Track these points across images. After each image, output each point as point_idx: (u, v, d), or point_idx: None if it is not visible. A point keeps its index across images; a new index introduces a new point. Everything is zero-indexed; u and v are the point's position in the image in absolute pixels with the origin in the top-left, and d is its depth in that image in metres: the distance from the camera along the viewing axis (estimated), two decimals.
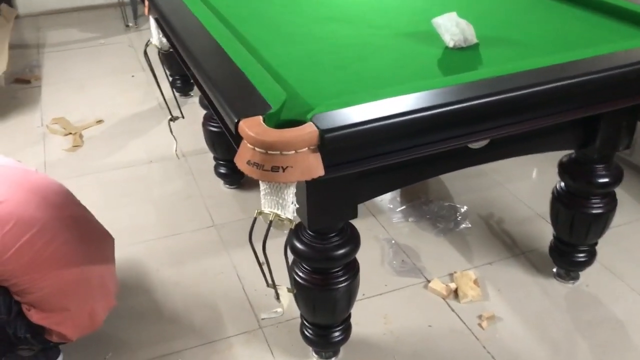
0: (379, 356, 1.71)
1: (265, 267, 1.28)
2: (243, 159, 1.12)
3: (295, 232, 1.49)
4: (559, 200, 1.81)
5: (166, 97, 2.23)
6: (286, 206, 1.17)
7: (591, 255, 1.89)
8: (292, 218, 1.19)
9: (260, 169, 1.10)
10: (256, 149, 1.10)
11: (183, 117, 2.14)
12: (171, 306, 1.89)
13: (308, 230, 1.44)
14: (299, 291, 1.52)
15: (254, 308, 1.86)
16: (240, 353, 1.72)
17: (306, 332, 1.64)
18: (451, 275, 1.98)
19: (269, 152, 1.09)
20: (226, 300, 1.90)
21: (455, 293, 1.91)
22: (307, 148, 1.10)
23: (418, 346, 1.73)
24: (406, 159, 1.28)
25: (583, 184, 1.73)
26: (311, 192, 1.35)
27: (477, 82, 1.29)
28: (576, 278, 1.96)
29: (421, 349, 1.72)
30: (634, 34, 1.58)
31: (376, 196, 1.46)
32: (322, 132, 1.09)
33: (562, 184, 1.80)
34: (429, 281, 1.96)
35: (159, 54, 2.13)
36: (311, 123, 1.11)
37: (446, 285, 1.92)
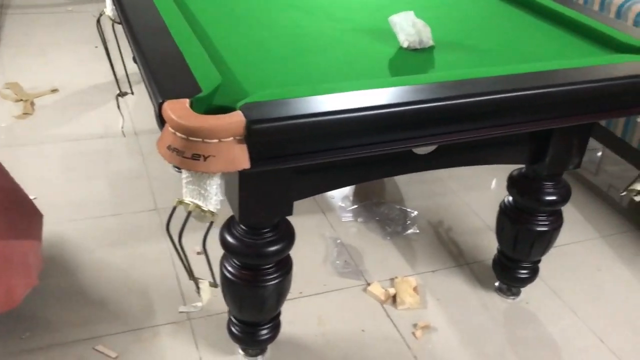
0: (306, 358, 1.66)
1: (186, 260, 1.22)
2: (164, 143, 1.06)
3: (227, 225, 1.43)
4: (505, 214, 1.77)
5: (122, 71, 2.14)
6: (208, 197, 1.11)
7: (533, 272, 1.86)
8: (214, 210, 1.13)
9: (180, 156, 1.04)
10: (177, 133, 1.03)
11: (132, 93, 2.06)
12: (100, 289, 1.82)
13: (239, 224, 1.38)
14: (227, 286, 1.47)
15: (185, 299, 1.80)
16: (164, 343, 1.66)
17: (233, 329, 1.58)
18: (392, 280, 1.94)
19: (190, 138, 1.02)
20: (158, 288, 1.83)
21: (394, 299, 1.87)
22: (232, 138, 1.03)
23: (348, 351, 1.69)
24: (344, 159, 1.23)
25: (530, 200, 1.70)
26: (244, 184, 1.29)
27: (424, 86, 1.24)
28: (517, 294, 1.93)
29: (350, 354, 1.68)
30: (592, 52, 1.55)
31: (315, 194, 1.41)
32: (250, 123, 1.03)
33: (510, 198, 1.77)
34: (369, 284, 1.91)
35: (112, 26, 2.05)
36: (239, 112, 1.05)
37: (385, 290, 1.88)
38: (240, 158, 1.05)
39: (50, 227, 2.02)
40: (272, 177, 1.29)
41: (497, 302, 1.90)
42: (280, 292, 1.49)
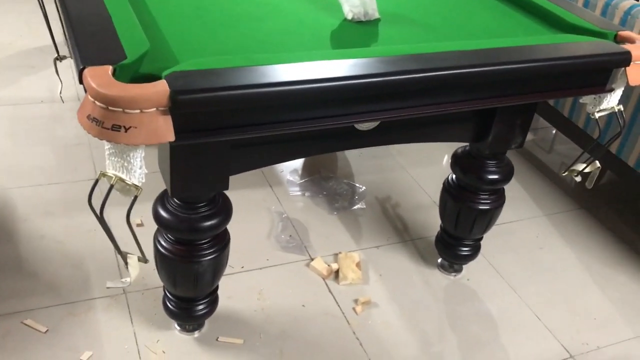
0: (244, 333, 1.64)
1: (111, 235, 1.17)
2: (84, 112, 1.00)
3: (161, 198, 1.38)
4: (448, 191, 1.77)
5: (62, 34, 2.04)
6: (132, 170, 1.07)
7: (475, 250, 1.87)
8: (138, 184, 1.08)
9: (100, 126, 0.99)
10: (97, 102, 0.98)
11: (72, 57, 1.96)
12: (33, 260, 1.76)
13: (172, 198, 1.34)
14: (161, 262, 1.43)
15: (122, 272, 1.76)
16: (98, 317, 1.62)
17: (168, 304, 1.55)
18: (336, 255, 1.93)
19: (110, 108, 0.97)
20: (94, 260, 1.78)
21: (337, 274, 1.86)
22: (155, 108, 0.99)
23: (287, 326, 1.68)
24: (280, 133, 1.19)
25: (472, 179, 1.70)
26: (175, 157, 1.24)
27: (366, 60, 1.21)
28: (459, 271, 1.95)
29: (289, 329, 1.67)
30: (538, 30, 1.54)
31: (253, 169, 1.37)
32: (174, 93, 0.98)
33: (454, 176, 1.76)
34: (312, 259, 1.90)
35: None
36: (164, 81, 1.00)
37: (328, 266, 1.87)
38: (164, 130, 1.00)
39: None
40: (205, 150, 1.25)
41: (439, 279, 1.91)
42: (216, 268, 1.47)
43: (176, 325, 1.61)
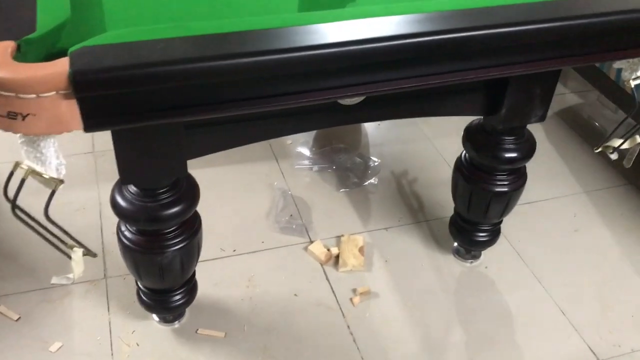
0: (227, 325, 1.51)
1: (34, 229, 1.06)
2: None
3: (117, 184, 1.25)
4: (459, 170, 1.56)
5: None
6: (46, 162, 0.93)
7: (493, 235, 1.66)
8: (56, 176, 0.95)
9: None
10: None
11: None
12: (13, 241, 1.68)
13: (123, 184, 1.20)
14: (124, 254, 1.31)
15: (106, 254, 1.66)
16: (74, 305, 1.53)
17: (142, 296, 1.43)
18: (339, 238, 1.76)
19: (2, 92, 0.83)
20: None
21: (337, 260, 1.70)
22: (54, 92, 0.83)
23: (275, 318, 1.54)
24: (230, 115, 1.02)
25: (487, 157, 1.47)
26: (118, 140, 1.10)
27: (340, 24, 1.01)
28: (477, 257, 1.74)
29: (277, 322, 1.53)
30: None
31: (215, 152, 1.21)
32: (74, 74, 0.82)
33: (466, 153, 1.55)
34: (312, 242, 1.74)
35: None
36: (65, 59, 0.85)
37: (327, 250, 1.71)
38: (68, 118, 0.85)
39: None
40: (153, 133, 1.10)
41: (452, 266, 1.72)
42: (186, 258, 1.33)
43: (154, 316, 1.51)
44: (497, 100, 1.35)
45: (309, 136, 2.15)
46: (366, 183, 1.96)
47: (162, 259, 1.28)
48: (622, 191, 2.02)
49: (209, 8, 1.10)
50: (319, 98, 1.06)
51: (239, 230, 1.76)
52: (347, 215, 1.85)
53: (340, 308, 1.57)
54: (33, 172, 0.93)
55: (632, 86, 1.28)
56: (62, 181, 0.95)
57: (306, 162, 2.03)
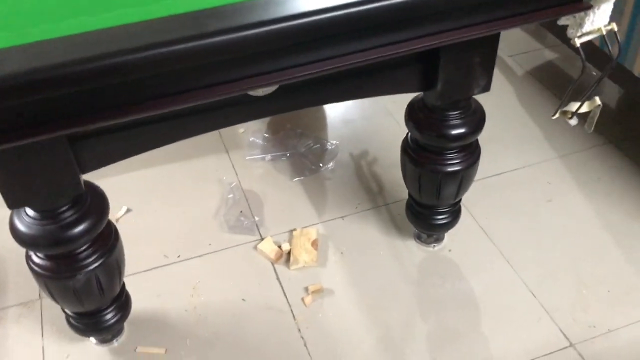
0: (169, 339, 1.41)
1: None
2: None
3: (17, 210, 1.14)
4: (405, 153, 1.43)
5: None
6: None
7: (454, 216, 1.53)
8: None
9: None
10: None
11: None
12: None
13: (10, 209, 1.09)
14: (37, 281, 1.20)
15: None
16: (7, 331, 1.43)
17: (70, 320, 1.33)
18: (291, 232, 1.65)
19: None
20: (14, 261, 1.59)
21: (289, 256, 1.59)
22: None
23: (220, 327, 1.43)
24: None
25: (432, 137, 1.34)
26: None
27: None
28: (440, 240, 1.62)
29: (222, 331, 1.42)
30: None
31: (112, 163, 1.09)
32: None
33: (410, 133, 1.41)
34: (263, 240, 1.63)
35: None
36: None
37: (278, 247, 1.59)
38: None
39: None
40: (32, 151, 0.98)
41: (414, 252, 1.60)
42: (105, 277, 1.22)
43: (91, 338, 1.41)
44: (432, 74, 1.21)
45: (262, 123, 2.02)
46: (323, 168, 1.84)
47: (74, 282, 1.17)
48: (600, 151, 1.87)
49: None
50: (226, 91, 0.95)
51: (185, 234, 1.65)
52: (300, 207, 1.73)
53: (291, 310, 1.47)
54: None
55: (578, 44, 1.14)
56: None
57: (258, 151, 1.91)
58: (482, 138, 1.39)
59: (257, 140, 1.95)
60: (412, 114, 1.36)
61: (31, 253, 1.18)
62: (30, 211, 1.11)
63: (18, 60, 0.82)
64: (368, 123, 2.02)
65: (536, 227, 1.65)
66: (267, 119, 2.04)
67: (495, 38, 1.19)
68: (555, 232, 1.63)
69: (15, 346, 1.40)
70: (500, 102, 2.06)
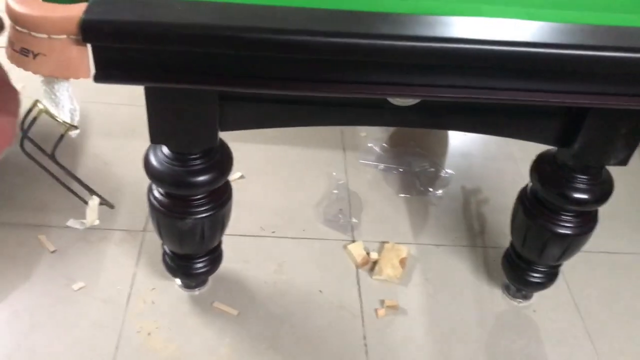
0: (244, 304, 1.48)
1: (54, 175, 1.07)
2: (5, 30, 0.88)
3: (153, 145, 1.24)
4: (520, 201, 1.41)
5: None
6: (60, 105, 0.93)
7: (549, 279, 1.49)
8: (69, 121, 0.94)
9: (11, 48, 0.85)
10: (9, 20, 0.84)
11: None
12: (66, 177, 1.73)
13: (152, 143, 1.19)
14: (150, 213, 1.30)
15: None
16: (107, 250, 1.55)
17: (166, 258, 1.43)
18: (383, 244, 1.67)
19: (17, 27, 0.83)
20: (130, 189, 1.71)
21: (374, 265, 1.61)
22: (65, 36, 0.82)
23: (293, 309, 1.48)
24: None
25: (552, 194, 1.31)
26: (150, 98, 1.08)
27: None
28: (528, 298, 1.58)
29: (294, 313, 1.47)
30: None
31: (249, 129, 1.17)
32: (84, 21, 0.80)
33: (531, 184, 1.39)
34: (354, 242, 1.66)
35: None
36: (83, 5, 0.83)
37: (366, 254, 1.62)
38: (78, 64, 0.84)
39: None
40: (185, 96, 1.07)
41: (497, 301, 1.57)
42: (208, 229, 1.30)
43: (177, 280, 1.51)
44: (572, 132, 1.19)
45: (384, 132, 2.06)
46: (432, 193, 1.84)
47: (182, 224, 1.26)
48: None
49: None
50: (374, 93, 0.99)
51: (284, 213, 1.72)
52: (399, 222, 1.75)
53: (362, 316, 1.49)
54: (47, 113, 0.93)
55: None
56: (74, 127, 0.95)
57: (373, 158, 1.95)
58: (603, 210, 1.34)
59: (375, 148, 1.99)
60: (540, 165, 1.34)
61: (154, 187, 1.29)
62: (166, 150, 1.20)
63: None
64: (489, 163, 2.00)
65: (632, 320, 1.57)
66: (390, 131, 2.07)
67: None
68: None
69: (110, 264, 1.53)
70: (634, 182, 1.97)
